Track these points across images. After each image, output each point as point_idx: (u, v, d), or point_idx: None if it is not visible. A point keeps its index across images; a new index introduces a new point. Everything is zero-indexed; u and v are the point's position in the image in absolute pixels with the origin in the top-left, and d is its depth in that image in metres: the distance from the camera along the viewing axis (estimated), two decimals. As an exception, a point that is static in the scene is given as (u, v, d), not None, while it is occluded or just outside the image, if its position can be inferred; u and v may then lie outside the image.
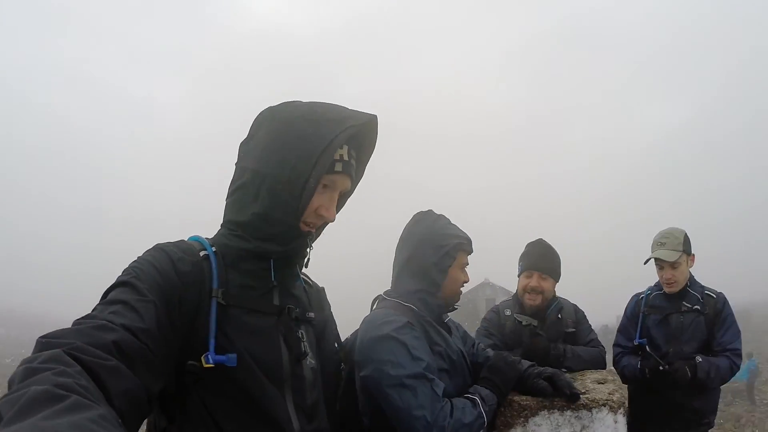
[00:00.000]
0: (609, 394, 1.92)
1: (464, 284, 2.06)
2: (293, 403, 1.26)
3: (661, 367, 2.93)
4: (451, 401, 1.73)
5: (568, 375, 2.35)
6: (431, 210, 2.02)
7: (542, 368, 2.01)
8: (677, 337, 3.11)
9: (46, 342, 0.87)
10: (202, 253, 1.23)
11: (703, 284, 3.27)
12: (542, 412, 1.89)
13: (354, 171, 1.33)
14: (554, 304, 3.00)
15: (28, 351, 0.87)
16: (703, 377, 2.90)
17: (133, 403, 0.90)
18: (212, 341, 1.13)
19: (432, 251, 1.91)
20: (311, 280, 1.58)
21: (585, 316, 3.11)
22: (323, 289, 1.63)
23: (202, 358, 1.11)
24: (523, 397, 1.95)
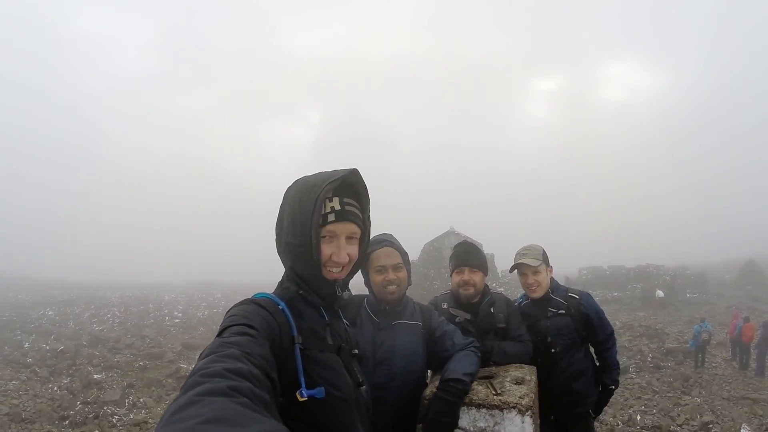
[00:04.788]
0: (520, 397, 2.21)
1: None
2: (359, 421, 1.59)
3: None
4: None
5: (493, 369, 2.66)
6: None
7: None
8: (546, 339, 3.52)
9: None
10: (279, 307, 1.51)
11: (567, 287, 3.70)
12: (462, 407, 2.20)
13: (354, 216, 1.62)
14: (487, 299, 3.27)
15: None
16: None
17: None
18: (302, 378, 1.41)
19: None
20: (347, 322, 1.91)
21: (517, 310, 3.39)
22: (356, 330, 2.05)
23: (297, 393, 1.38)
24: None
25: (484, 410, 2.16)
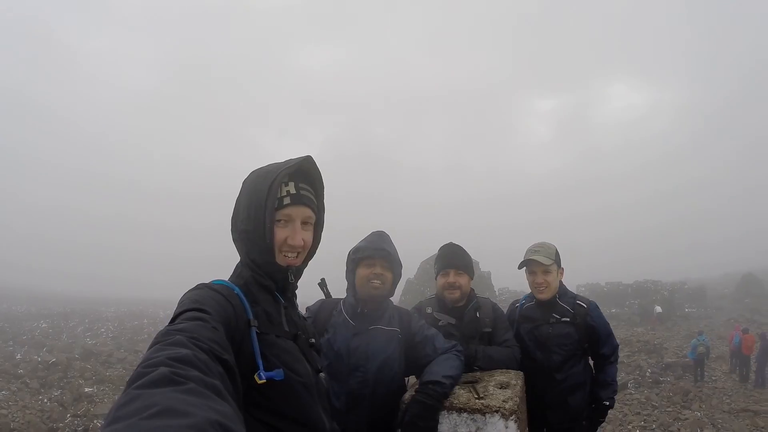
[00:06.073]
0: (503, 401, 2.09)
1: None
2: (320, 407, 1.57)
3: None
4: None
5: (477, 374, 2.54)
6: None
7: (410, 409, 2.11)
8: (545, 346, 3.29)
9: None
10: (233, 292, 1.46)
11: (575, 294, 3.45)
12: (443, 412, 2.09)
13: (309, 201, 1.60)
14: (472, 303, 3.12)
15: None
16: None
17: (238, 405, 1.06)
18: (260, 361, 1.37)
19: None
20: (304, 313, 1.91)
21: (503, 315, 3.23)
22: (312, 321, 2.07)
23: (255, 376, 1.34)
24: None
25: (465, 414, 2.06)
